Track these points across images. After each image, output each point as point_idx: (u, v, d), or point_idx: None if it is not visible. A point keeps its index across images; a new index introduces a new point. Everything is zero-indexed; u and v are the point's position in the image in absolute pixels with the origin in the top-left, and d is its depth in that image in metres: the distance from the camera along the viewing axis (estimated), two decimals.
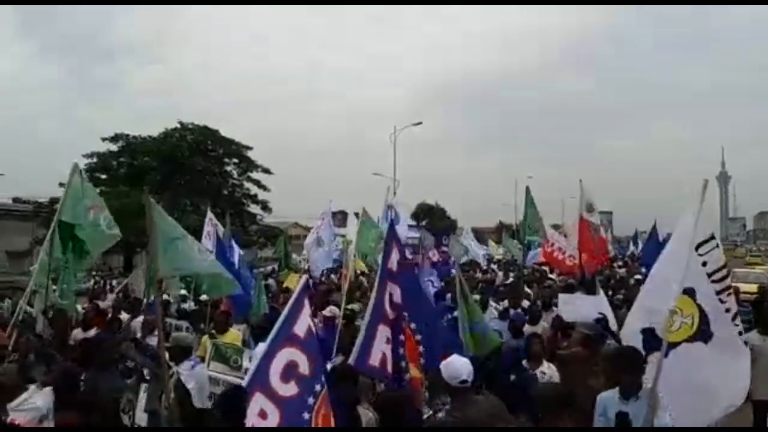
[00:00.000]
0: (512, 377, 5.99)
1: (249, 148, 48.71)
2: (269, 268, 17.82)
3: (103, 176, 43.86)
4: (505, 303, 10.46)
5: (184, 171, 43.85)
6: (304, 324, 4.08)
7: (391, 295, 5.08)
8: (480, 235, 54.77)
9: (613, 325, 7.04)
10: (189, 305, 12.60)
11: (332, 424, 4.11)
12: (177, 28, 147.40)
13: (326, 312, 8.97)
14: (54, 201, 42.96)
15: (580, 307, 7.32)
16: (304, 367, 3.99)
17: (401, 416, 4.36)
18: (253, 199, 49.51)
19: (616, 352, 4.96)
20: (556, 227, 17.40)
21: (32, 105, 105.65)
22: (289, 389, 3.94)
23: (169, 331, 8.54)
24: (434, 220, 64.93)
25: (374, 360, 4.91)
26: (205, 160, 45.85)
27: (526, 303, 10.64)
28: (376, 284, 5.27)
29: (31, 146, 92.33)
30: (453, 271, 21.42)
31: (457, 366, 4.58)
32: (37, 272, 8.57)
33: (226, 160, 48.80)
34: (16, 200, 47.64)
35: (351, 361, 4.95)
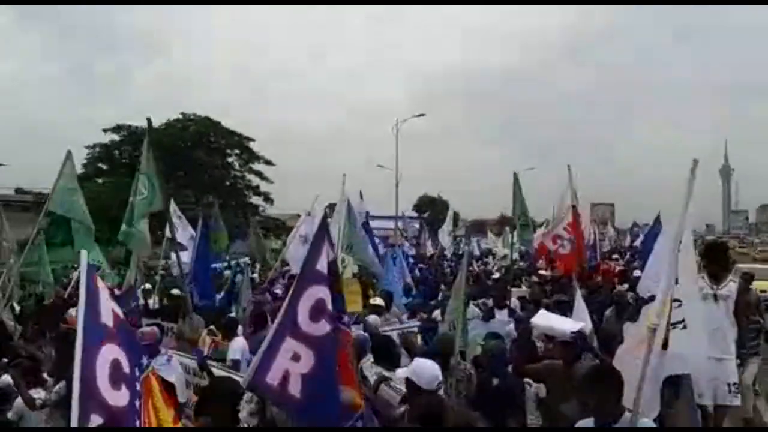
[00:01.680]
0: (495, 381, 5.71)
1: (251, 139, 48.76)
2: (243, 260, 17.28)
3: (105, 167, 43.90)
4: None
5: (186, 162, 43.83)
6: (324, 260, 4.08)
7: (321, 301, 4.07)
8: (482, 227, 54.75)
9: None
10: (154, 300, 11.82)
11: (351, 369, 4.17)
12: (180, 21, 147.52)
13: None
14: None
15: (553, 320, 6.26)
16: (328, 303, 3.99)
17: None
18: (255, 190, 49.55)
19: (591, 370, 4.20)
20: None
21: (35, 97, 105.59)
22: (320, 328, 3.95)
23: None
24: (436, 212, 64.87)
25: (273, 378, 3.96)
26: (207, 152, 45.84)
27: (516, 302, 10.07)
28: (291, 290, 4.32)
29: (33, 138, 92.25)
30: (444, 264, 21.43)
31: (430, 367, 4.46)
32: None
33: (228, 151, 48.82)
34: (18, 191, 47.75)
35: (246, 378, 4.17)
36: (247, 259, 18.61)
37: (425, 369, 4.42)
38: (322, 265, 4.13)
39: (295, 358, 3.96)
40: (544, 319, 6.09)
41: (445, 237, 25.97)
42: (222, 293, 11.68)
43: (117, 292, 11.25)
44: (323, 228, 4.42)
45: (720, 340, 5.86)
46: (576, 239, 12.39)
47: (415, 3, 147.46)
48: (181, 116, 47.05)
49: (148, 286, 12.50)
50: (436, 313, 8.99)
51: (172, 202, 13.11)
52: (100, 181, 41.91)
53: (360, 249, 10.96)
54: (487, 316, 8.55)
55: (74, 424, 3.16)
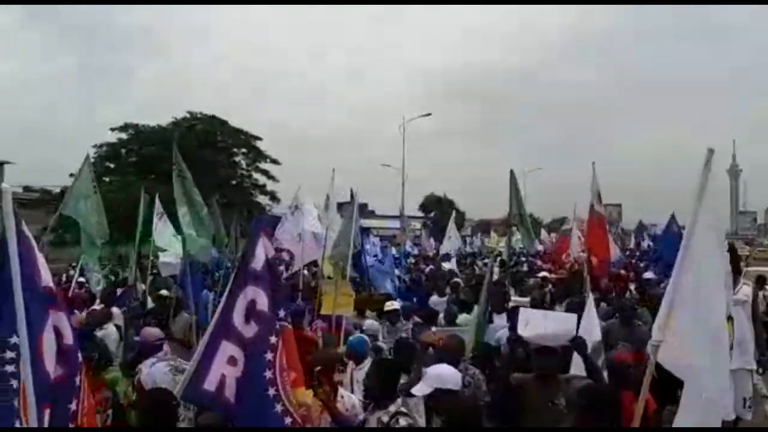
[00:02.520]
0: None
1: (258, 138, 48.82)
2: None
3: (112, 165, 44.01)
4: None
5: (192, 160, 43.78)
6: (260, 258, 3.94)
7: (253, 302, 3.92)
8: (487, 227, 54.68)
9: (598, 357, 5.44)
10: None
11: (296, 367, 3.99)
12: (186, 20, 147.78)
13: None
14: (65, 190, 43.22)
15: (547, 327, 5.40)
16: (262, 303, 3.89)
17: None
18: (262, 189, 49.59)
19: (590, 390, 3.95)
20: (562, 221, 17.00)
21: (41, 96, 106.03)
22: (251, 329, 3.86)
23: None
24: (442, 211, 64.81)
25: (210, 384, 3.75)
26: (214, 151, 45.88)
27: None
28: (227, 291, 4.13)
29: (41, 137, 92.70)
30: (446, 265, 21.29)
31: (448, 370, 4.39)
32: None
33: (235, 150, 48.88)
34: (26, 189, 47.96)
35: (180, 388, 3.92)
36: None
37: (445, 373, 4.34)
38: (258, 264, 3.98)
39: (232, 362, 3.83)
40: (531, 329, 5.22)
41: (449, 238, 25.56)
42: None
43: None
44: (260, 225, 4.29)
45: (743, 350, 5.64)
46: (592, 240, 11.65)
47: (416, 3, 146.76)
48: (188, 115, 47.15)
49: (142, 286, 12.48)
50: (462, 318, 8.94)
51: (157, 200, 13.22)
52: (107, 179, 42.00)
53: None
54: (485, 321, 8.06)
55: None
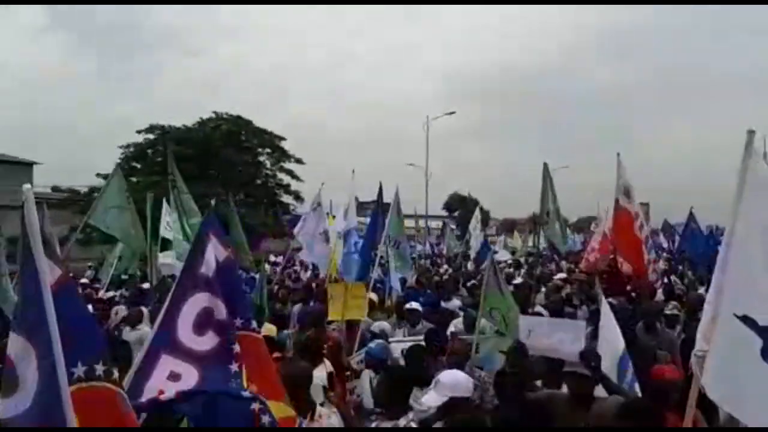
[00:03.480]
0: None
1: (282, 138, 49.08)
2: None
3: (138, 166, 44.58)
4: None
5: (218, 161, 44.26)
6: (210, 262, 3.57)
7: (208, 311, 3.52)
8: (512, 226, 54.26)
9: (609, 369, 4.69)
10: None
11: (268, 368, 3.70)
12: (214, 20, 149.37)
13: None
14: (93, 190, 44.20)
15: (555, 337, 4.96)
16: (219, 312, 3.51)
17: None
18: (286, 189, 49.84)
19: (631, 408, 3.58)
20: (589, 221, 16.41)
21: (68, 97, 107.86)
22: (206, 341, 3.46)
23: None
24: (467, 210, 64.55)
25: (145, 398, 3.34)
26: (239, 150, 46.22)
27: (541, 311, 9.02)
28: (167, 301, 3.67)
29: (69, 137, 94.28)
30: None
31: (459, 376, 4.22)
32: None
33: (260, 150, 49.21)
34: (54, 189, 48.79)
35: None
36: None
37: (458, 380, 4.17)
38: (207, 269, 3.59)
39: (174, 377, 3.38)
40: (534, 339, 4.75)
41: (473, 238, 24.65)
42: None
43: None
44: (208, 226, 3.85)
45: None
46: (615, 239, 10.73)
47: (442, 3, 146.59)
48: (213, 115, 47.56)
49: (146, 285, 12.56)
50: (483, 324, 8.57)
51: (164, 202, 13.02)
52: (134, 179, 42.58)
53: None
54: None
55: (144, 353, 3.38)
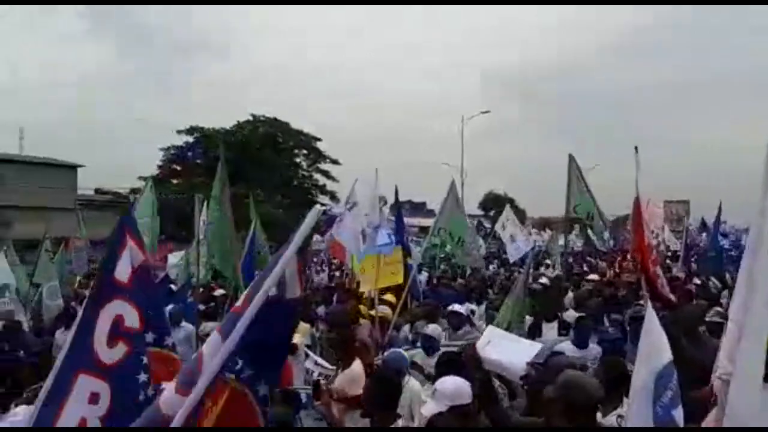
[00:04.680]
0: None
1: (318, 139, 49.56)
2: None
3: (178, 168, 45.46)
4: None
5: (255, 162, 44.87)
6: (126, 266, 3.22)
7: (119, 319, 3.12)
8: (548, 225, 53.65)
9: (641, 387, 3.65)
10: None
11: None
12: (252, 22, 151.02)
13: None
14: (134, 191, 45.26)
15: (503, 354, 4.33)
16: (131, 320, 3.13)
17: None
18: (322, 189, 50.26)
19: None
20: (626, 219, 15.68)
21: (110, 100, 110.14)
22: (116, 353, 3.05)
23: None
24: (502, 209, 64.04)
25: (66, 425, 2.87)
26: (276, 152, 46.79)
27: (572, 314, 8.00)
28: (81, 312, 3.23)
29: (110, 139, 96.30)
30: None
31: (461, 385, 3.88)
32: None
33: (296, 151, 49.74)
34: (97, 191, 50.02)
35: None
36: None
37: (457, 387, 3.86)
38: (122, 274, 3.22)
39: (93, 399, 2.94)
40: (487, 352, 4.21)
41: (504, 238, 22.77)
42: None
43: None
44: (124, 227, 3.45)
45: None
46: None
47: (473, 3, 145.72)
48: (251, 117, 48.23)
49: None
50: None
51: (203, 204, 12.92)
52: (174, 181, 43.44)
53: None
54: (533, 332, 7.26)
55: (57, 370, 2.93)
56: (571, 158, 9.59)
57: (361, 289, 8.19)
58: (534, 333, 7.15)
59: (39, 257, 13.63)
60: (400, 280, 8.14)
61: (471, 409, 3.82)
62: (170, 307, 9.91)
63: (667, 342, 3.67)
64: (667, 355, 3.50)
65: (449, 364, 4.86)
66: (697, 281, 13.33)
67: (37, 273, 13.18)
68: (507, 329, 6.14)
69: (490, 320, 8.28)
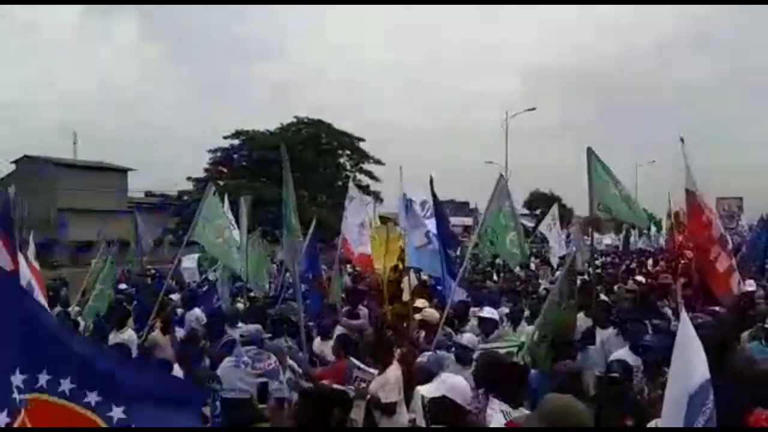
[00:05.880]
0: None
1: (361, 139, 49.73)
2: None
3: (225, 170, 46.27)
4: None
5: (299, 163, 45.30)
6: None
7: None
8: (596, 224, 52.70)
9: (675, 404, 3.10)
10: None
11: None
12: (301, 24, 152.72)
13: None
14: (182, 193, 46.27)
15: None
16: None
17: None
18: (366, 190, 50.40)
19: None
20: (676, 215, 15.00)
21: (159, 105, 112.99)
22: None
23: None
24: (549, 208, 63.05)
25: None
26: (319, 153, 47.13)
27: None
28: None
29: (160, 142, 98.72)
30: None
31: (463, 384, 3.92)
32: None
33: (340, 152, 50.00)
34: (147, 194, 51.29)
35: None
36: None
37: (458, 384, 3.90)
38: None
39: None
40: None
41: (551, 238, 21.50)
42: None
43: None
44: None
45: None
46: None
47: (521, 3, 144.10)
48: (294, 119, 48.71)
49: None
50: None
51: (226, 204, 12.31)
52: (220, 183, 44.22)
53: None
54: (585, 341, 6.78)
55: None
56: (590, 152, 8.55)
57: (375, 265, 9.22)
58: (585, 344, 6.69)
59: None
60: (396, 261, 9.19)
61: (459, 411, 3.78)
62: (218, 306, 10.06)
63: (705, 358, 3.19)
64: (702, 373, 3.11)
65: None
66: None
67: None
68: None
69: (515, 324, 8.36)
